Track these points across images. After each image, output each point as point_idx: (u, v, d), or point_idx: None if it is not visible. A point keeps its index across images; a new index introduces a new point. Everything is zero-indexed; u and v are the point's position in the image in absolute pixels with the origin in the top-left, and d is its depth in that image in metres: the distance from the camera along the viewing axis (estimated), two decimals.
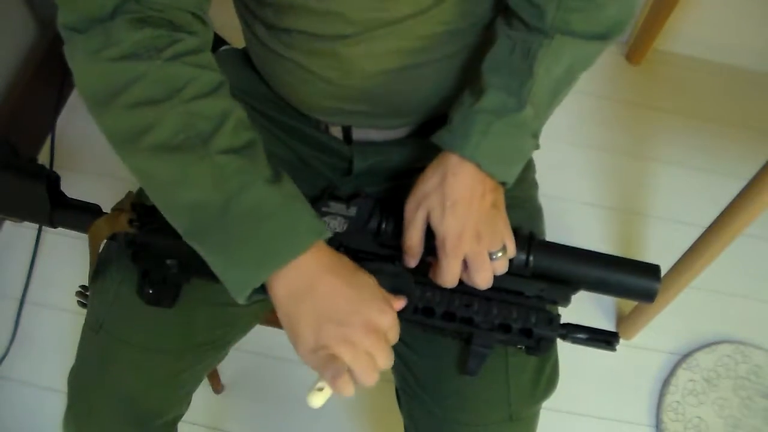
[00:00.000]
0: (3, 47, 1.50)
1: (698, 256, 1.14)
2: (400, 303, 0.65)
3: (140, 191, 0.79)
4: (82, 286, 0.82)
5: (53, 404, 1.28)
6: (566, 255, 0.70)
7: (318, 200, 0.74)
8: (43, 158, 1.56)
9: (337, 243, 0.72)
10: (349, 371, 0.60)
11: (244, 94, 0.87)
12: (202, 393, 1.31)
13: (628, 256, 0.71)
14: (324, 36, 0.71)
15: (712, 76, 1.84)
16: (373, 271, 0.65)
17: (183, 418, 0.89)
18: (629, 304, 1.45)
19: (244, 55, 0.89)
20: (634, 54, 1.81)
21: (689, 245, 1.16)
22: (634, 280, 0.69)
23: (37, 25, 1.58)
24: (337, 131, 0.85)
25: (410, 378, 0.80)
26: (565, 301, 0.71)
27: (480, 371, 0.71)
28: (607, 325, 1.47)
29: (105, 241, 0.78)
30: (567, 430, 1.37)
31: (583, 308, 1.47)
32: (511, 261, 0.68)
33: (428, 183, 0.67)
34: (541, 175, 0.91)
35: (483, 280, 0.67)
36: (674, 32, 1.79)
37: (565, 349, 0.80)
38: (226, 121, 0.61)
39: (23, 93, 1.53)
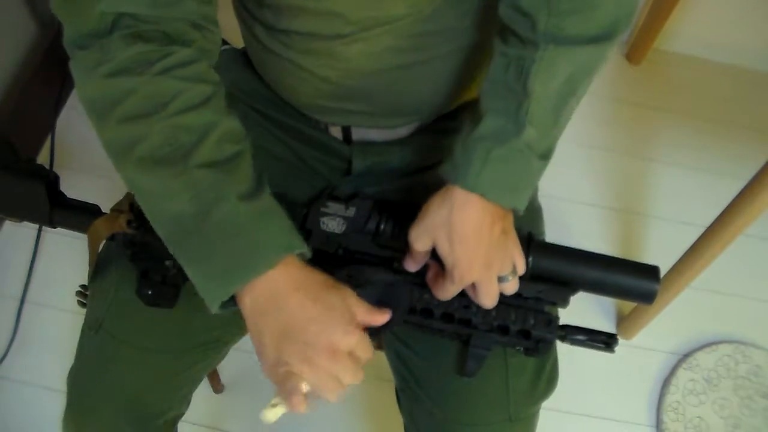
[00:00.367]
0: (3, 47, 1.50)
1: (698, 256, 1.14)
2: (382, 317, 0.64)
3: None
4: (82, 286, 0.82)
5: (53, 404, 1.28)
6: (565, 256, 0.70)
7: (317, 200, 0.74)
8: (43, 158, 1.56)
9: (336, 243, 0.72)
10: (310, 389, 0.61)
11: (244, 94, 0.87)
12: (202, 393, 1.31)
13: (628, 257, 0.71)
14: (321, 35, 0.71)
15: (712, 76, 1.84)
16: (365, 282, 0.64)
17: (183, 418, 0.89)
18: (629, 305, 1.45)
19: (243, 56, 0.89)
20: (634, 54, 1.81)
21: (689, 245, 1.16)
22: (634, 282, 0.69)
23: (37, 25, 1.58)
24: (336, 131, 0.85)
25: (410, 378, 0.80)
26: (564, 302, 0.71)
27: (478, 372, 0.71)
28: (606, 325, 1.47)
29: (104, 241, 0.78)
30: (567, 430, 1.37)
31: (583, 308, 1.47)
32: None
33: (435, 216, 0.65)
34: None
35: (488, 304, 0.67)
36: (674, 32, 1.79)
37: (564, 348, 0.80)
38: (210, 134, 0.62)
39: (23, 93, 1.53)
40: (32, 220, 0.80)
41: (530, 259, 0.69)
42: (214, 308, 0.61)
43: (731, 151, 1.70)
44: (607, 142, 1.71)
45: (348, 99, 0.78)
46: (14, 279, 1.44)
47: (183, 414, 0.88)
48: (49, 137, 1.59)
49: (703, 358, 1.43)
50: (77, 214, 0.78)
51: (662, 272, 0.71)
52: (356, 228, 0.72)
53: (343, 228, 0.72)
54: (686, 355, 1.44)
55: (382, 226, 0.72)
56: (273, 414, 0.63)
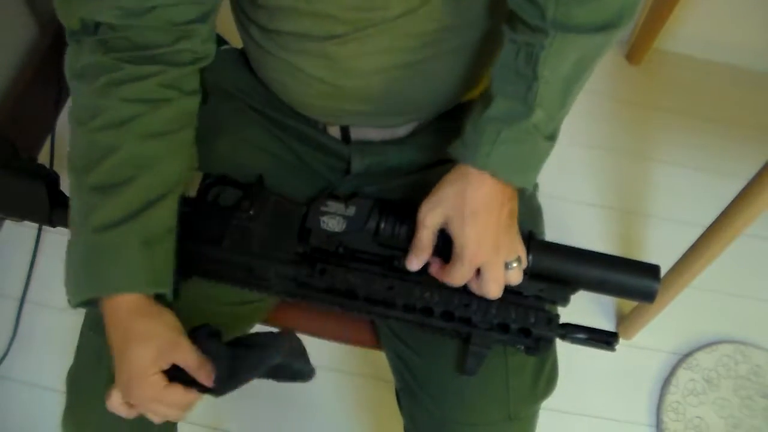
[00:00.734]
0: (3, 47, 1.50)
1: (698, 256, 1.14)
2: (204, 378, 0.63)
3: None
4: None
5: (53, 404, 1.28)
6: (565, 255, 0.70)
7: (317, 200, 0.74)
8: (43, 158, 1.56)
9: (336, 242, 0.72)
10: None
11: (243, 94, 0.87)
12: None
13: (628, 256, 0.71)
14: (315, 36, 0.71)
15: (712, 76, 1.84)
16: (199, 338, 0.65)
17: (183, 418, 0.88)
18: (629, 304, 1.45)
19: (243, 56, 0.89)
20: (634, 54, 1.81)
21: (689, 245, 1.16)
22: (634, 281, 0.69)
23: (37, 25, 1.58)
24: (335, 131, 0.85)
25: (410, 378, 0.80)
26: (565, 301, 0.71)
27: (478, 371, 0.71)
28: (607, 325, 1.47)
29: None
30: (567, 430, 1.37)
31: (583, 308, 1.47)
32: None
33: (446, 191, 0.66)
34: (541, 175, 0.90)
35: (495, 291, 0.68)
36: (674, 32, 1.79)
37: (564, 348, 0.80)
38: (109, 156, 0.66)
39: (23, 93, 1.53)
40: (32, 219, 0.80)
41: (530, 257, 0.69)
42: (72, 303, 0.68)
43: (731, 151, 1.70)
44: (607, 142, 1.71)
45: (344, 99, 0.78)
46: (14, 279, 1.43)
47: None
48: (49, 137, 1.59)
49: (703, 358, 1.43)
50: None
51: (662, 272, 0.71)
52: (356, 227, 0.72)
53: (343, 227, 0.72)
54: (686, 355, 1.44)
55: (382, 225, 0.72)
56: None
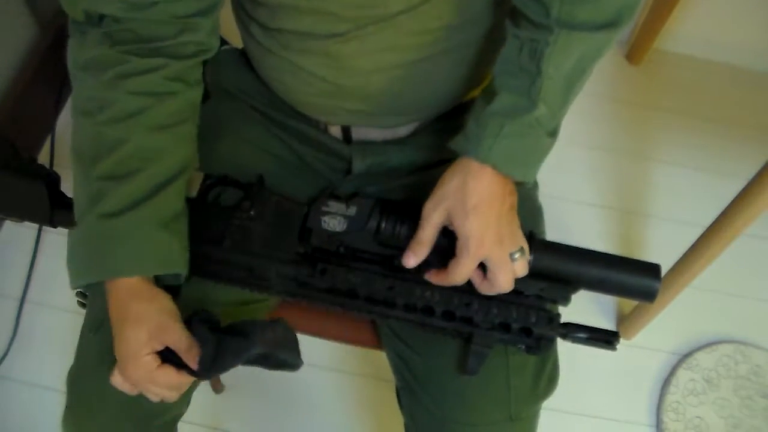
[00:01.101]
0: (3, 47, 1.50)
1: (698, 256, 1.14)
2: (190, 361, 0.65)
3: None
4: None
5: (53, 404, 1.28)
6: (566, 254, 0.70)
7: (318, 199, 0.74)
8: (43, 158, 1.56)
9: (337, 242, 0.72)
10: None
11: (244, 93, 0.87)
12: (202, 393, 1.31)
13: (629, 256, 0.71)
14: (316, 34, 0.71)
15: (712, 76, 1.84)
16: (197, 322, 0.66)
17: (183, 418, 0.88)
18: (629, 304, 1.45)
19: (243, 55, 0.89)
20: (634, 54, 1.81)
21: (689, 245, 1.16)
22: (635, 280, 0.69)
23: (37, 25, 1.58)
24: (336, 131, 0.85)
25: (410, 378, 0.80)
26: (565, 300, 0.71)
27: (480, 371, 0.71)
28: (607, 324, 1.47)
29: None
30: (567, 430, 1.37)
31: (584, 308, 1.47)
32: None
33: (449, 185, 0.67)
34: (541, 175, 0.90)
35: (506, 282, 0.67)
36: (674, 32, 1.79)
37: (565, 348, 0.80)
38: (117, 149, 0.67)
39: (23, 93, 1.53)
40: (33, 219, 0.80)
41: (531, 257, 0.69)
42: (72, 285, 0.69)
43: (731, 151, 1.70)
44: (607, 142, 1.71)
45: (346, 98, 0.78)
46: (14, 279, 1.43)
47: (183, 414, 0.88)
48: (49, 137, 1.59)
49: (703, 358, 1.43)
50: None
51: (662, 272, 0.71)
52: (357, 226, 0.72)
53: (344, 226, 0.72)
54: (686, 355, 1.44)
55: (383, 225, 0.72)
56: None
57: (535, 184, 0.90)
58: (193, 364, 0.64)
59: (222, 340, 0.63)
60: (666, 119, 1.76)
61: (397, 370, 0.83)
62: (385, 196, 0.82)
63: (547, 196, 0.92)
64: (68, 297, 0.90)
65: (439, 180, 0.68)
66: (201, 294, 0.78)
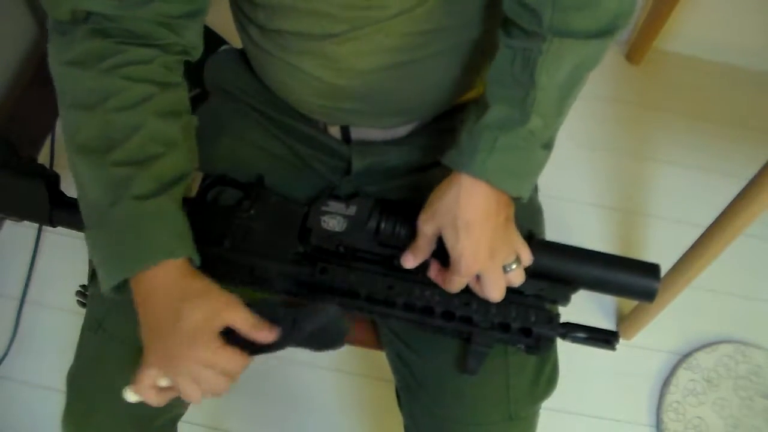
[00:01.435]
0: (3, 47, 1.50)
1: (698, 256, 1.14)
2: (263, 335, 0.63)
3: None
4: (82, 286, 0.82)
5: (53, 404, 1.28)
6: (566, 254, 0.70)
7: (317, 199, 0.74)
8: (43, 158, 1.56)
9: (336, 242, 0.72)
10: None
11: (243, 94, 0.87)
12: None
13: (628, 256, 0.71)
14: (313, 35, 0.71)
15: (712, 76, 1.84)
16: (255, 302, 0.65)
17: (183, 418, 0.89)
18: (629, 304, 1.45)
19: (243, 56, 0.89)
20: (634, 54, 1.81)
21: (689, 245, 1.16)
22: (634, 280, 0.69)
23: (37, 25, 1.58)
24: (335, 131, 0.85)
25: (410, 378, 0.80)
26: (565, 300, 0.71)
27: (480, 370, 0.71)
28: (607, 324, 1.47)
29: None
30: (567, 430, 1.37)
31: (583, 308, 1.47)
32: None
33: (441, 201, 0.66)
34: (541, 175, 0.91)
35: (496, 296, 0.67)
36: (674, 32, 1.79)
37: (565, 348, 0.80)
38: (133, 135, 0.66)
39: (23, 93, 1.53)
40: (32, 219, 0.80)
41: (531, 263, 0.69)
42: (104, 290, 0.66)
43: (731, 151, 1.70)
44: (607, 142, 1.71)
45: (343, 99, 0.78)
46: (14, 279, 1.43)
47: (183, 414, 0.88)
48: (49, 137, 1.59)
49: (703, 358, 1.43)
50: (77, 214, 0.78)
51: (662, 272, 0.71)
52: (357, 226, 0.72)
53: (344, 226, 0.72)
54: (686, 355, 1.44)
55: (382, 225, 0.72)
56: (132, 395, 0.66)
57: (535, 186, 0.90)
58: (266, 337, 0.63)
59: (296, 315, 0.63)
60: (666, 119, 1.76)
61: (397, 370, 0.83)
62: (384, 196, 0.82)
63: (547, 196, 0.93)
64: (68, 297, 0.90)
65: (433, 191, 0.67)
66: None
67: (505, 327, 0.70)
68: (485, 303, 0.70)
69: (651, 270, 0.69)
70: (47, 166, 0.83)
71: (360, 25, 0.69)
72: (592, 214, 1.61)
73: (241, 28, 0.80)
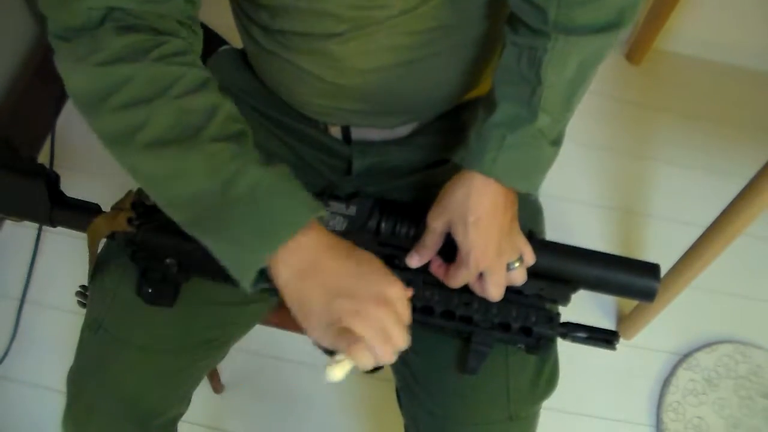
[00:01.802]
0: (3, 47, 1.50)
1: (698, 256, 1.14)
2: (407, 291, 0.62)
3: (140, 190, 0.79)
4: (82, 286, 0.82)
5: (53, 404, 1.28)
6: (566, 254, 0.71)
7: (317, 200, 0.74)
8: (43, 158, 1.56)
9: None
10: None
11: (243, 93, 0.87)
12: (202, 393, 1.31)
13: (628, 256, 0.71)
14: (316, 35, 0.71)
15: (712, 76, 1.84)
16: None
17: (183, 418, 0.89)
18: (629, 304, 1.45)
19: (243, 56, 0.89)
20: (634, 54, 1.81)
21: (689, 245, 1.16)
22: (634, 280, 0.69)
23: (37, 25, 1.58)
24: (336, 131, 0.85)
25: (410, 378, 0.80)
26: (565, 300, 0.71)
27: (480, 370, 0.71)
28: (607, 324, 1.47)
29: (104, 240, 0.78)
30: (567, 430, 1.37)
31: (583, 308, 1.47)
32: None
33: (451, 198, 0.67)
34: None
35: (496, 294, 0.68)
36: (674, 32, 1.79)
37: (565, 348, 0.80)
38: (216, 113, 0.62)
39: (23, 93, 1.53)
40: (32, 219, 0.80)
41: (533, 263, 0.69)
42: (247, 281, 0.60)
43: (731, 151, 1.70)
44: (607, 141, 1.71)
45: (345, 98, 0.78)
46: (14, 279, 1.44)
47: (183, 413, 0.88)
48: (49, 137, 1.59)
49: (703, 358, 1.43)
50: (77, 214, 0.78)
51: (662, 272, 0.71)
52: (357, 226, 0.72)
53: (344, 226, 0.72)
54: (686, 355, 1.44)
55: (382, 225, 0.72)
56: (340, 369, 0.59)
57: None
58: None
59: None
60: (666, 119, 1.76)
61: (397, 370, 0.83)
62: (385, 196, 0.82)
63: (547, 196, 0.93)
64: (68, 297, 0.90)
65: (442, 188, 0.68)
66: (200, 294, 0.78)
67: (505, 327, 0.70)
68: (485, 303, 0.70)
69: (651, 270, 0.69)
70: (47, 165, 0.83)
71: (363, 25, 0.69)
72: (592, 214, 1.61)
73: (243, 29, 0.80)
